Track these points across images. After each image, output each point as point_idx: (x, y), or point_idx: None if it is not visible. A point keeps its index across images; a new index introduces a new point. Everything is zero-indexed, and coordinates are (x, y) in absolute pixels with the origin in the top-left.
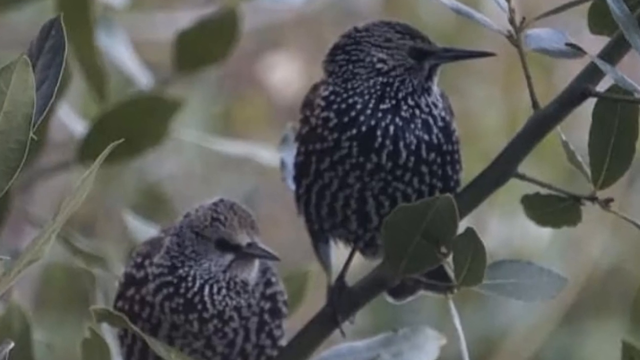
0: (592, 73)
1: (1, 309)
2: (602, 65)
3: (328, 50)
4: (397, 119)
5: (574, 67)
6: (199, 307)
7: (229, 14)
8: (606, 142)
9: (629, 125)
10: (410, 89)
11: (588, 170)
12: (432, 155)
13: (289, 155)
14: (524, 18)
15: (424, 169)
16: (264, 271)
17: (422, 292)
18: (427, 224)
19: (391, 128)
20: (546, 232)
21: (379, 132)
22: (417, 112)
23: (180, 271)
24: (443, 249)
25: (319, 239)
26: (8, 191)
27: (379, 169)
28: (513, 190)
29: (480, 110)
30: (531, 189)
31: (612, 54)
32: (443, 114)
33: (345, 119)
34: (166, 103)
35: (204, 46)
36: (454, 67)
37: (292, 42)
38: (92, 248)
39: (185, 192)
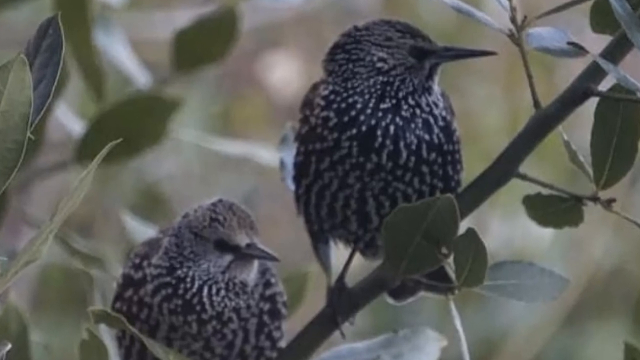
0: (594, 72)
1: None
2: (605, 64)
3: (328, 50)
4: (398, 119)
5: (576, 67)
6: (198, 308)
7: (228, 13)
8: (608, 141)
9: (632, 124)
10: (410, 88)
11: (590, 170)
12: (433, 155)
13: (289, 155)
14: (525, 17)
15: (425, 169)
16: (263, 272)
17: (422, 293)
18: (427, 224)
19: (391, 128)
20: (548, 232)
21: (379, 132)
22: (418, 111)
23: (179, 272)
24: (444, 250)
25: (319, 240)
26: (5, 191)
27: (379, 169)
28: (514, 190)
29: (481, 109)
30: (533, 189)
31: (614, 53)
32: (444, 113)
33: (345, 119)
34: (165, 103)
35: (203, 45)
36: (455, 66)
37: (291, 41)
38: (90, 249)
39: (184, 192)
